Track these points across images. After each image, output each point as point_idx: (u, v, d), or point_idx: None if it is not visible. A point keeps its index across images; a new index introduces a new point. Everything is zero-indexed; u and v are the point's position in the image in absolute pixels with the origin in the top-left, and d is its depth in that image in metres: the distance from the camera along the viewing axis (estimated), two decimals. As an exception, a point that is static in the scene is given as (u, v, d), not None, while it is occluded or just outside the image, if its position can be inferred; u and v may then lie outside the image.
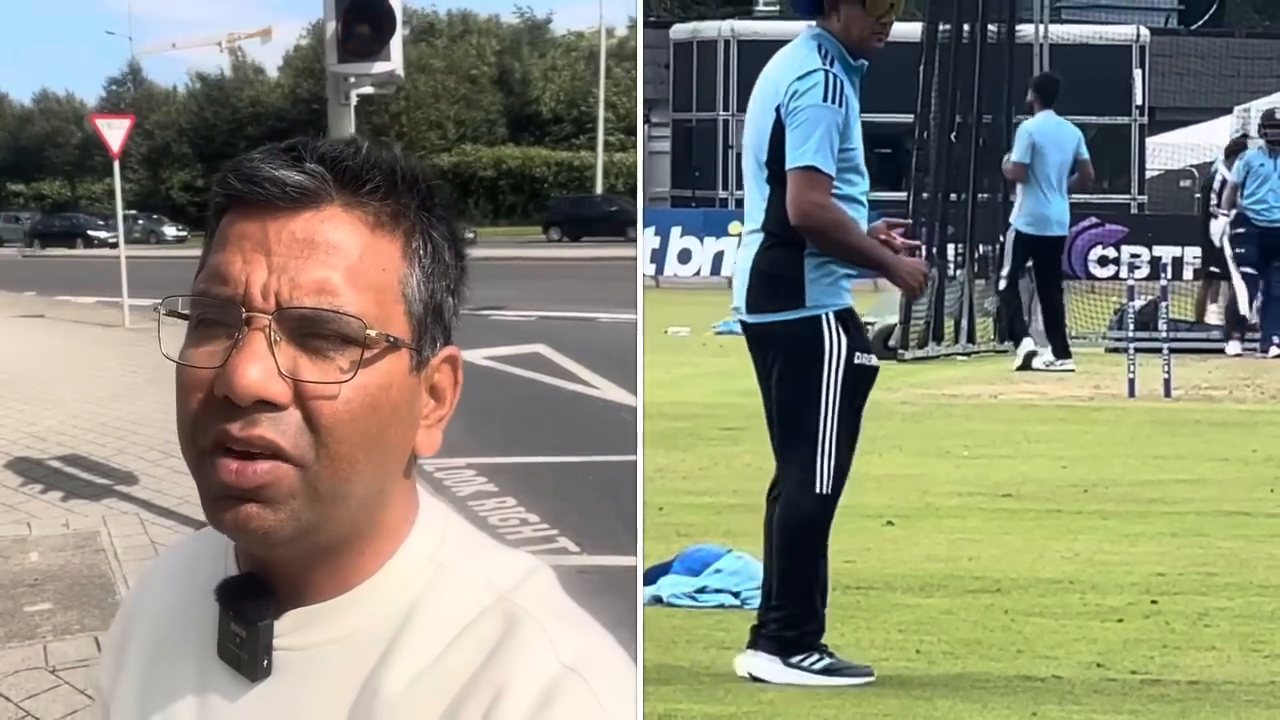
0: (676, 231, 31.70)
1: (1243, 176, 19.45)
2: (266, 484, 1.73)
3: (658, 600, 7.85)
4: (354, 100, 11.22)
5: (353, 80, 11.06)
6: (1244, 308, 19.46)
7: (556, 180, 42.97)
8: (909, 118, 19.79)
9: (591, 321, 21.26)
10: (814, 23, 6.69)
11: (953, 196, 19.47)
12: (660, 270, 30.75)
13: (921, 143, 19.58)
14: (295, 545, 1.77)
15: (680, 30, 39.26)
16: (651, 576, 7.96)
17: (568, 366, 16.99)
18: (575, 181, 42.60)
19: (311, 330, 1.75)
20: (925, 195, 19.28)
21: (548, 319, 21.88)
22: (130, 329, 22.15)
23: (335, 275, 1.76)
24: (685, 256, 31.79)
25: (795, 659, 6.49)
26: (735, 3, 53.98)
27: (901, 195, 20.95)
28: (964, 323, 19.29)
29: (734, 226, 32.17)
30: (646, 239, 30.71)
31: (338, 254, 1.77)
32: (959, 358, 18.66)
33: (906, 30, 18.79)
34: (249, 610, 1.82)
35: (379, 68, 10.88)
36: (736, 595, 7.86)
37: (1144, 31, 37.53)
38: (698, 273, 31.67)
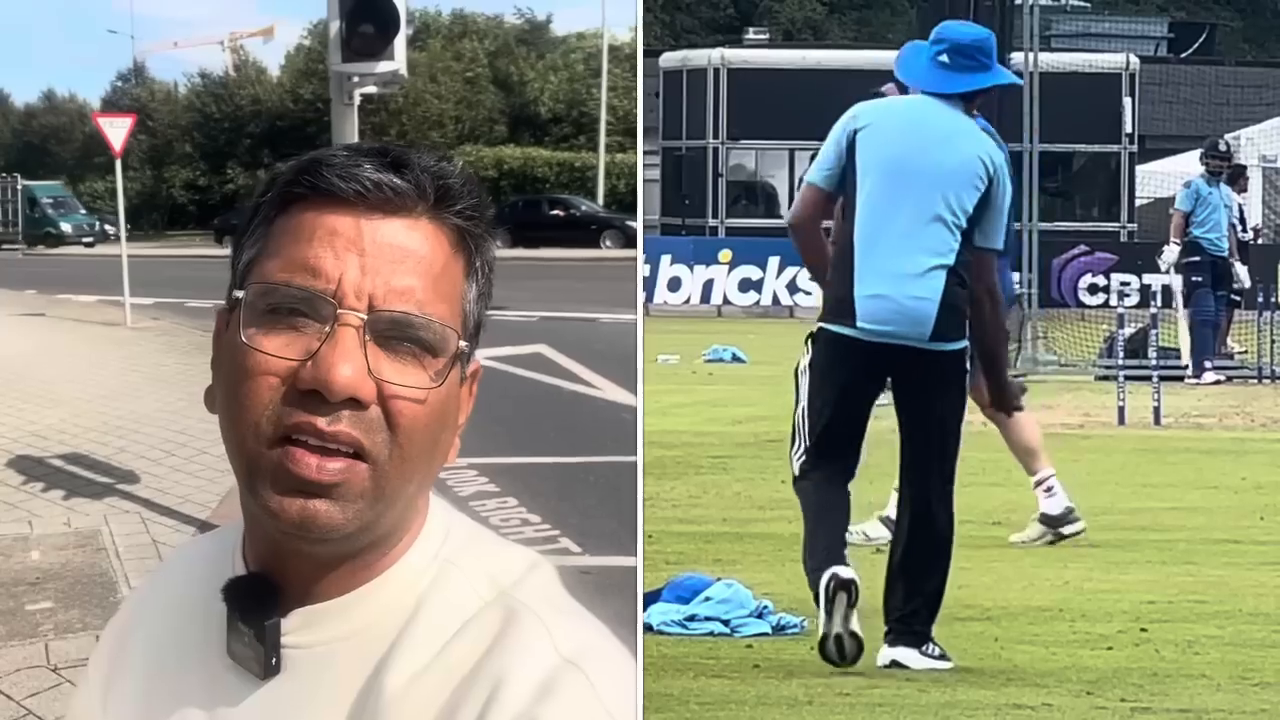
0: (666, 259, 31.65)
1: (1192, 204, 18.91)
2: (342, 481, 1.76)
3: (648, 628, 7.83)
4: (357, 100, 11.20)
5: (356, 80, 11.02)
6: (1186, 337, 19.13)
7: (559, 181, 42.66)
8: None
9: (593, 322, 21.16)
10: (953, 102, 7.17)
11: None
12: (650, 298, 30.69)
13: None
14: (345, 542, 1.80)
15: (670, 59, 39.27)
16: (642, 604, 7.95)
17: (569, 367, 16.91)
18: (577, 182, 42.29)
19: (399, 334, 1.79)
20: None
21: (549, 319, 21.76)
22: (132, 328, 22.03)
23: (423, 284, 1.81)
24: (675, 284, 31.76)
25: (924, 648, 7.04)
26: (725, 31, 54.19)
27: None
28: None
29: (724, 254, 32.13)
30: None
31: (425, 264, 1.82)
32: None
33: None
34: (255, 609, 1.84)
35: (383, 67, 10.84)
36: (727, 623, 7.85)
37: (1134, 60, 37.57)
38: (687, 300, 31.65)
